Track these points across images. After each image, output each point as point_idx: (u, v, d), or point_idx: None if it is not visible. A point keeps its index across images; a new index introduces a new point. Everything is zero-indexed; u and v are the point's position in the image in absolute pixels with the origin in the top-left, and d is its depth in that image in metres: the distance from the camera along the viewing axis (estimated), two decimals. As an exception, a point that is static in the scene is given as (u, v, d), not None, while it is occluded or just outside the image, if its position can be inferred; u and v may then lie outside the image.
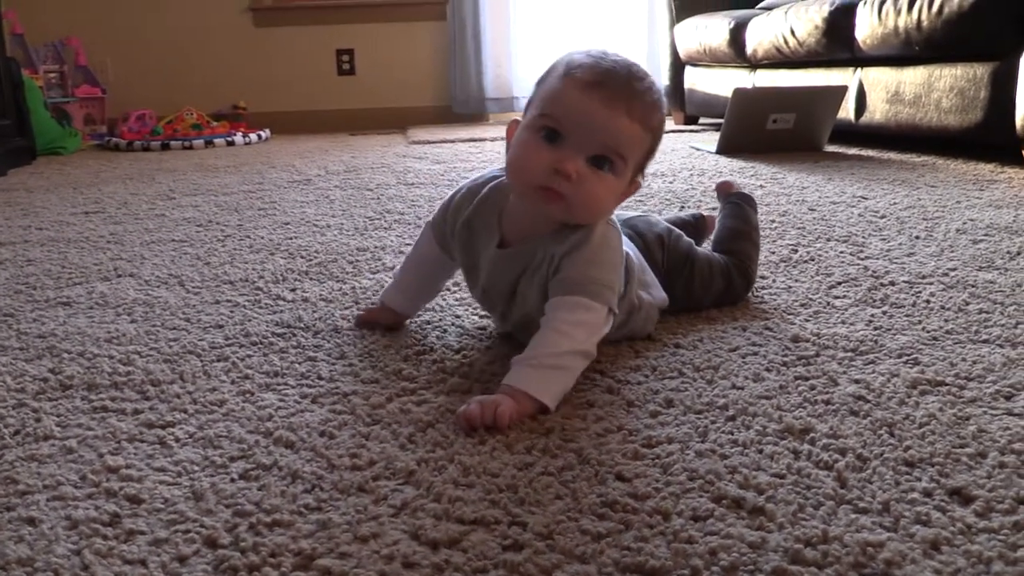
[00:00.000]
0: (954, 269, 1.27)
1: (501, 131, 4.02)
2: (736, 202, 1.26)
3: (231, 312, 1.15)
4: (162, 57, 4.45)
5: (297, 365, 0.94)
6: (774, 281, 1.24)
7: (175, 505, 0.65)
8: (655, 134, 0.87)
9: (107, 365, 0.95)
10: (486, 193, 0.95)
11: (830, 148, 2.88)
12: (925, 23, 2.40)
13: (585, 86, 0.82)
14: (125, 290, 1.28)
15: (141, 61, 4.43)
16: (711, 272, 1.09)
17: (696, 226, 1.33)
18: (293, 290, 1.25)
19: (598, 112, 0.81)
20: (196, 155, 3.37)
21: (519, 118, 0.91)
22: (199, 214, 1.95)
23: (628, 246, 0.97)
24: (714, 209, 1.56)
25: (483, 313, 1.11)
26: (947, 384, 0.84)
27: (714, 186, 1.49)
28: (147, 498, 0.66)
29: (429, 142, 3.55)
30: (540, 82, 0.89)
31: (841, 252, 1.40)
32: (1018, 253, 1.36)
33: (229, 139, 3.74)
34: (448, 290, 1.22)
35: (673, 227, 1.12)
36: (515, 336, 0.97)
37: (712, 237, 1.25)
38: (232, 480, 0.68)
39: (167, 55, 4.46)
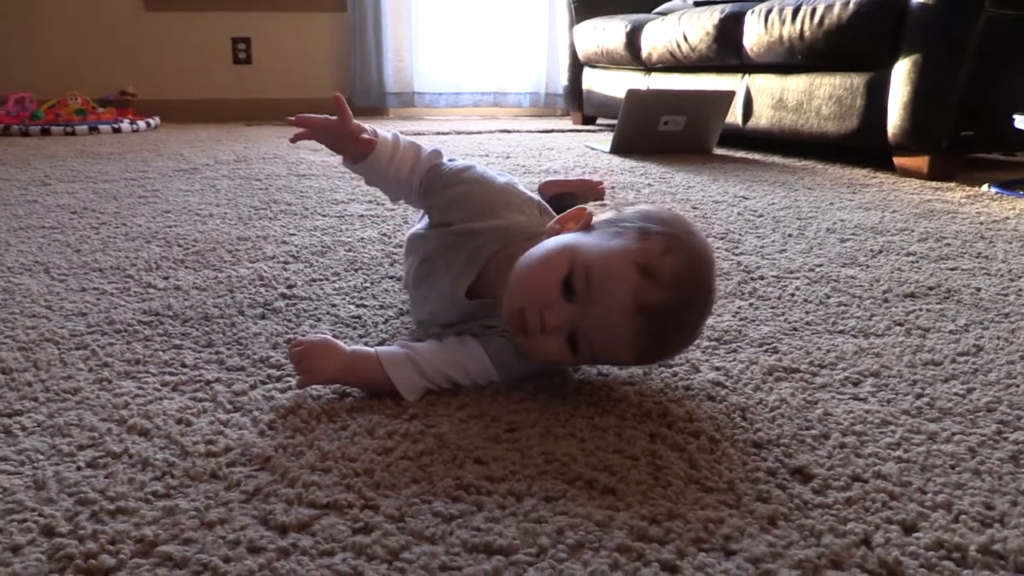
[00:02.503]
0: (820, 265, 1.33)
1: (400, 125, 4.01)
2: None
3: (97, 300, 1.10)
4: (45, 38, 4.24)
5: (161, 353, 0.91)
6: (651, 275, 1.27)
7: (14, 495, 0.62)
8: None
9: (-46, 353, 0.90)
10: (503, 226, 0.87)
11: (719, 151, 2.98)
12: (807, 33, 2.51)
13: (637, 307, 0.71)
14: (-16, 277, 1.21)
15: (22, 41, 4.20)
16: None
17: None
18: (166, 278, 1.21)
19: (624, 335, 0.73)
20: (78, 141, 3.23)
21: (594, 213, 0.83)
22: (74, 201, 1.87)
23: None
24: (603, 205, 1.60)
25: (360, 303, 1.10)
26: (801, 371, 0.88)
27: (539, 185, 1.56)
28: (-17, 488, 0.62)
29: (326, 135, 3.49)
30: (629, 220, 0.77)
31: (718, 248, 1.45)
32: (880, 251, 1.43)
33: (115, 126, 3.59)
34: (327, 279, 1.20)
35: None
36: (420, 332, 0.94)
37: None
38: (78, 468, 0.66)
39: (51, 36, 4.25)
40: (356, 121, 0.96)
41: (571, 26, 4.21)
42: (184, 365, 0.88)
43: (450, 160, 0.96)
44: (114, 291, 1.14)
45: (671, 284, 0.72)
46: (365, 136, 0.95)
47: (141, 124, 3.72)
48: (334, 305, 1.09)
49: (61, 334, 0.97)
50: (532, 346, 0.77)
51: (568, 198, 1.51)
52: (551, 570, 0.53)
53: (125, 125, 3.63)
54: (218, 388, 0.81)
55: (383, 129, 0.99)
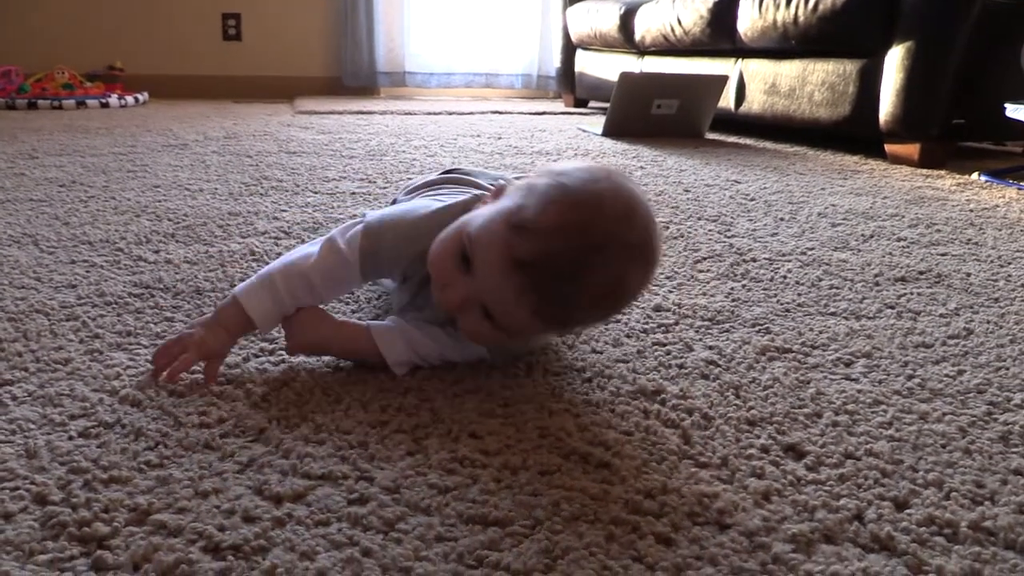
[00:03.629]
0: (812, 248, 1.33)
1: (392, 105, 3.99)
2: None
3: (87, 272, 1.09)
4: (32, 10, 4.18)
5: (152, 325, 0.91)
6: (644, 255, 1.27)
7: (5, 463, 0.61)
8: (570, 330, 0.79)
9: (-58, 322, 0.89)
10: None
11: (711, 135, 2.97)
12: (801, 19, 2.50)
13: (512, 262, 0.67)
14: (-29, 248, 1.20)
15: (8, 14, 4.15)
16: None
17: None
18: (156, 252, 1.20)
19: (509, 295, 0.68)
20: (66, 115, 3.19)
21: (510, 186, 0.75)
22: (63, 174, 1.85)
23: None
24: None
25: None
26: (793, 351, 0.88)
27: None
28: (-26, 456, 0.62)
29: (316, 112, 3.47)
30: (525, 179, 0.73)
31: (710, 230, 1.45)
32: (871, 236, 1.44)
33: (103, 101, 3.55)
34: (319, 255, 1.20)
35: None
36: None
37: None
38: (70, 438, 0.65)
39: (37, 8, 4.19)
40: (241, 311, 0.78)
41: (565, 8, 4.19)
42: (176, 337, 0.87)
43: (350, 234, 0.80)
44: (104, 264, 1.14)
45: (548, 233, 0.66)
46: (249, 322, 0.78)
47: (129, 99, 3.69)
48: (327, 281, 1.08)
49: (51, 305, 0.96)
50: (462, 327, 0.75)
51: None
52: (547, 541, 0.53)
53: (113, 100, 3.59)
54: (211, 360, 0.81)
55: (253, 293, 0.78)
